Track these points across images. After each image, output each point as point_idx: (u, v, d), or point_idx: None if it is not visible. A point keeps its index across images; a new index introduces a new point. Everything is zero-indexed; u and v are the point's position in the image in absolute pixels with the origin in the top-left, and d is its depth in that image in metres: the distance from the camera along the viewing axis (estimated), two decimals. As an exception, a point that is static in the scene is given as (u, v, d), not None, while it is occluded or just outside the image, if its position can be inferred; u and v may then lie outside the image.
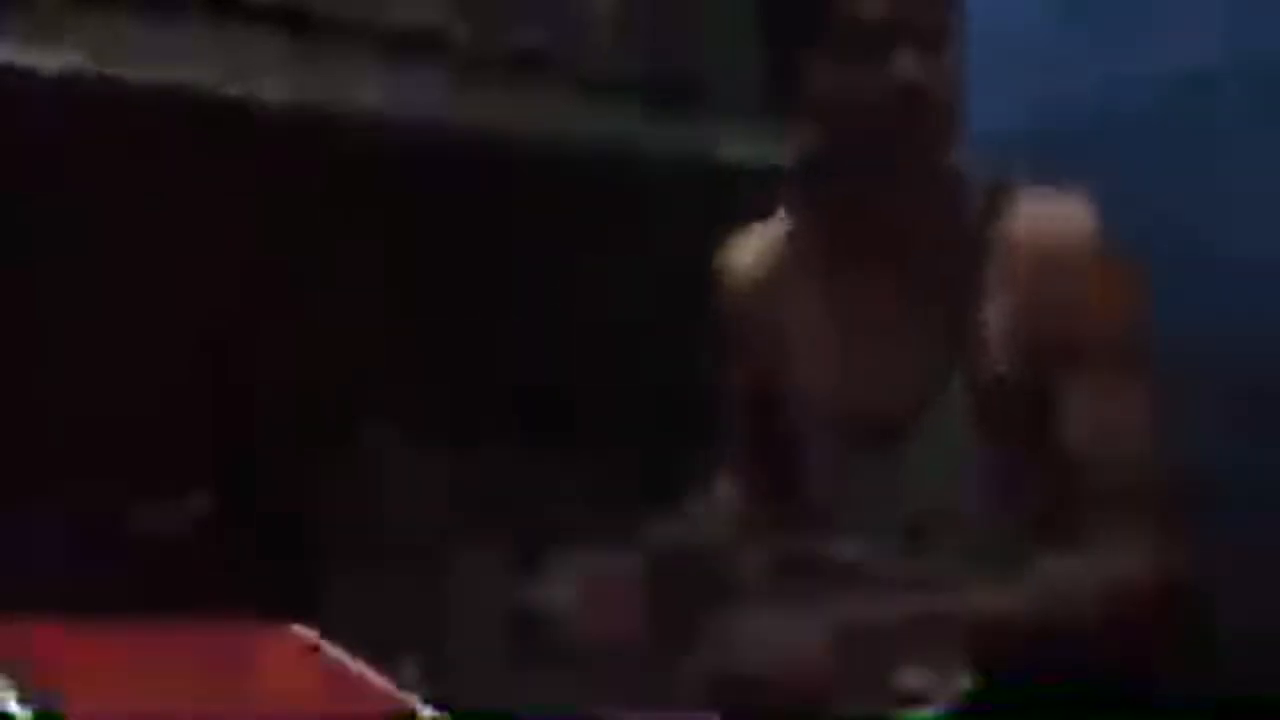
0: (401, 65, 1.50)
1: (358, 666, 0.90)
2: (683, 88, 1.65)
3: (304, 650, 0.94)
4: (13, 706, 0.63)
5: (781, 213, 1.11)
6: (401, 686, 0.84)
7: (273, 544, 1.43)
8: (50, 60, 1.22)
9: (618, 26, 1.61)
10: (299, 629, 0.99)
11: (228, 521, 1.47)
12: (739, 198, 1.18)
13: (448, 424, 1.60)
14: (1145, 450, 0.93)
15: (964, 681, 0.85)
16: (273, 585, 1.16)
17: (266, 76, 1.39)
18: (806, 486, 1.07)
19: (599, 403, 1.62)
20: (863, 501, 1.01)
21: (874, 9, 0.91)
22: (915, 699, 0.84)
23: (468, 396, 1.63)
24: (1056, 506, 0.94)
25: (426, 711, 0.79)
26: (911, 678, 0.85)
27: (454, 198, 1.58)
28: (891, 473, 0.99)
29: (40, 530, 1.39)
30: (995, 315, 0.95)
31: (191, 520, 1.48)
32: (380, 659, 0.90)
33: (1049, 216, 0.95)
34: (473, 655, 0.96)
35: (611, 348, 1.63)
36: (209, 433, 1.48)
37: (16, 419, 1.38)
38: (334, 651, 0.94)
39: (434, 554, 1.24)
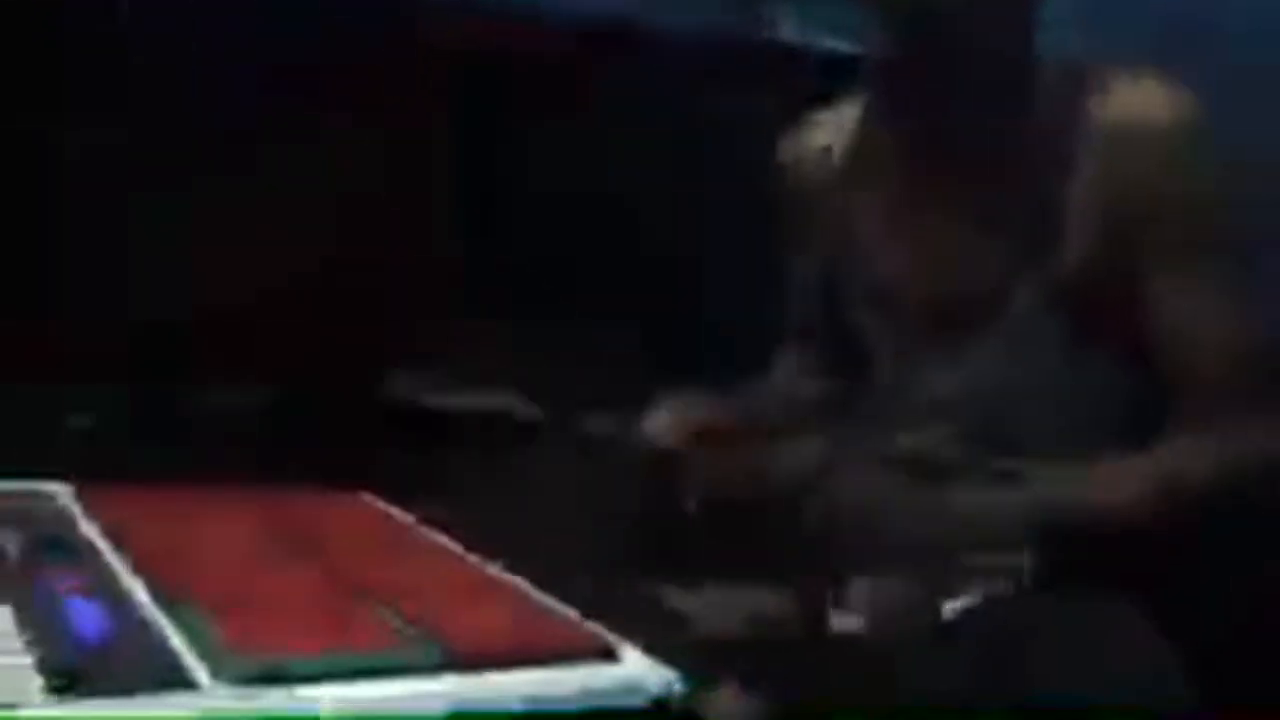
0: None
1: (429, 531, 0.91)
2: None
3: (376, 515, 0.96)
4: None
5: (856, 95, 1.08)
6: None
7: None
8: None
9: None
10: (368, 496, 1.01)
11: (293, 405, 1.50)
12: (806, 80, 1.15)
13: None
14: (1236, 338, 0.90)
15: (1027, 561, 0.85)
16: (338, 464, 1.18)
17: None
18: (875, 377, 1.06)
19: (666, 283, 1.62)
20: (937, 392, 1.00)
21: None
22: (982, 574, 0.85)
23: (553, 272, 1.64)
24: (1144, 397, 0.93)
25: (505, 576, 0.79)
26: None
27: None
28: (968, 363, 0.97)
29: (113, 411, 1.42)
30: (1079, 200, 0.92)
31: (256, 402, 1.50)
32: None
33: (1134, 97, 0.92)
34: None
35: (672, 228, 1.62)
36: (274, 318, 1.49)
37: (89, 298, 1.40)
38: (404, 517, 0.96)
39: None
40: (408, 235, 1.57)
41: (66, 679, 0.55)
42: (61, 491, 0.91)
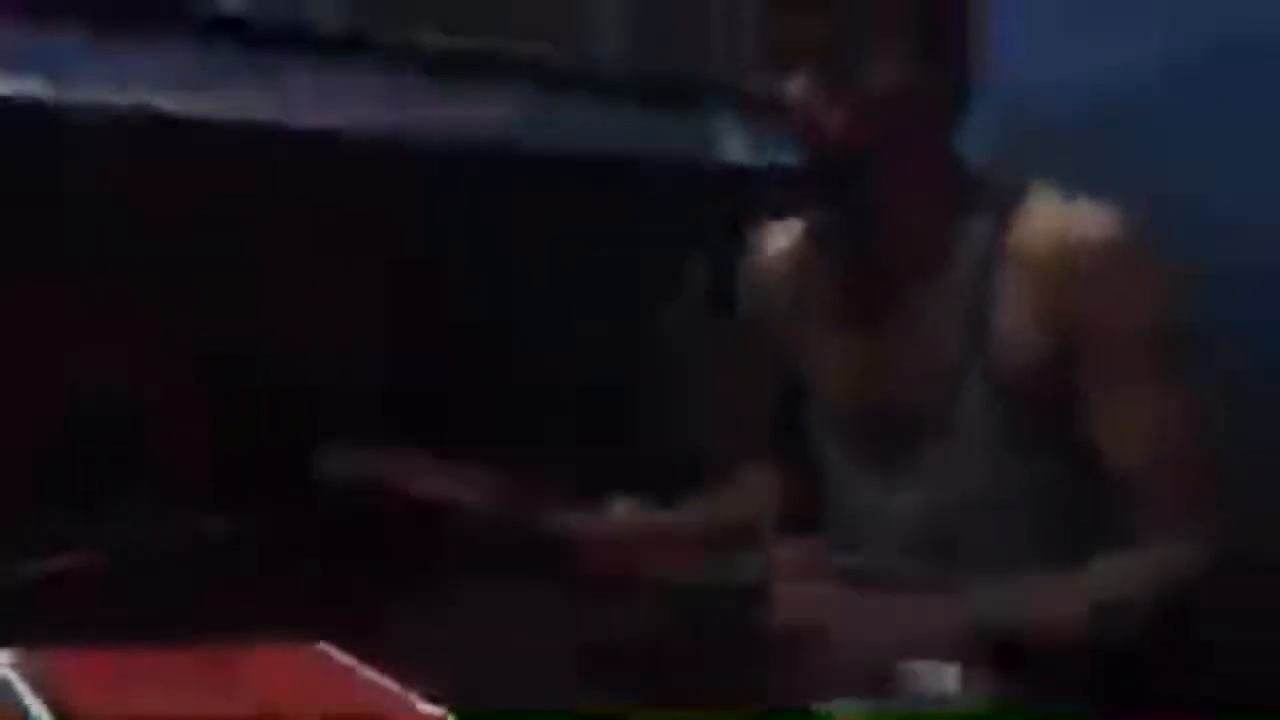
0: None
1: (389, 685, 0.89)
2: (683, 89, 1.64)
3: (336, 670, 0.93)
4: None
5: (800, 211, 1.10)
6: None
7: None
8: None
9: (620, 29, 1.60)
10: (327, 648, 0.98)
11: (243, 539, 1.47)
12: (749, 198, 1.18)
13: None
14: (1175, 448, 0.91)
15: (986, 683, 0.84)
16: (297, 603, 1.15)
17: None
18: (828, 488, 1.07)
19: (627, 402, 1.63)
20: (883, 506, 1.00)
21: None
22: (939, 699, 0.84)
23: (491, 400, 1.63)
24: (1083, 506, 0.94)
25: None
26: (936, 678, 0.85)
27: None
28: (913, 474, 0.98)
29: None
30: (1014, 316, 0.94)
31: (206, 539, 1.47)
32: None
33: (1067, 215, 0.94)
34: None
35: (615, 346, 1.63)
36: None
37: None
38: (366, 672, 0.93)
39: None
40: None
41: None
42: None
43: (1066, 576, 0.91)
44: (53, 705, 0.77)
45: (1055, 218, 0.94)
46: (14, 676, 0.83)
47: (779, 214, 1.13)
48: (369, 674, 0.91)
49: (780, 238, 1.11)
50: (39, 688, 0.80)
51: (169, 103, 1.31)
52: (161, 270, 1.35)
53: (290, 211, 1.44)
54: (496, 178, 1.57)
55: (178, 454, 1.39)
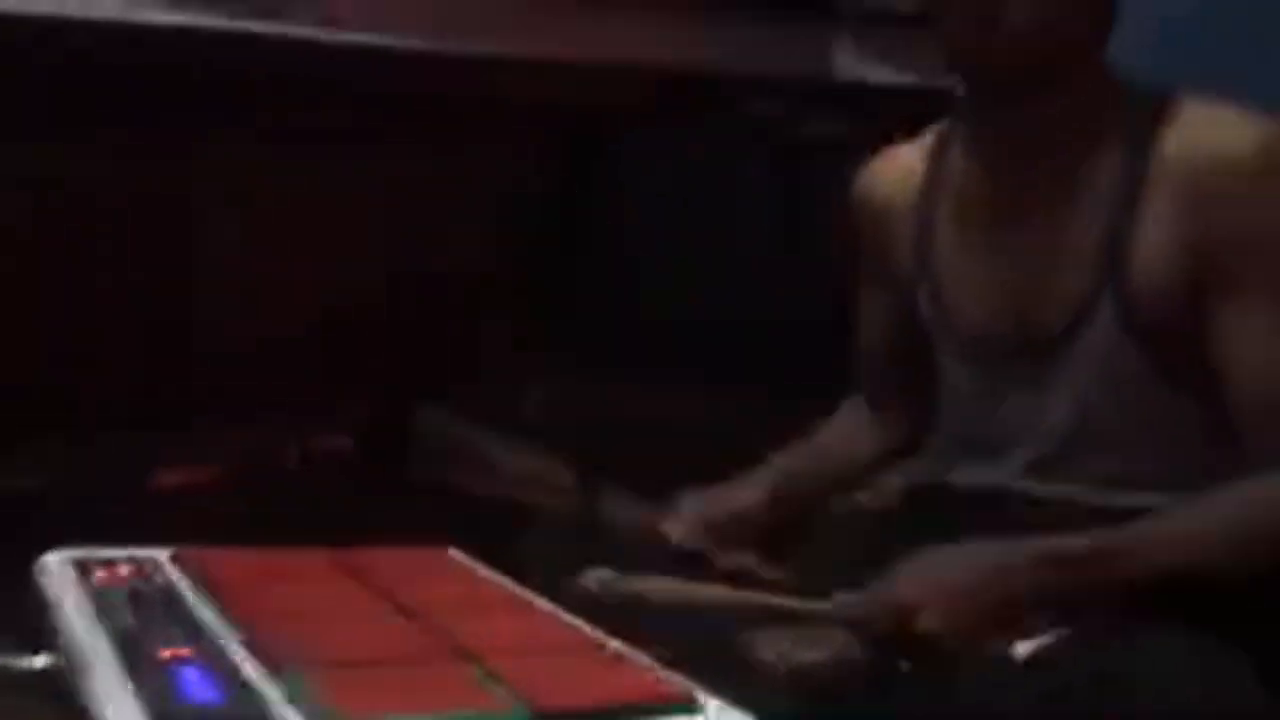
0: None
1: (511, 586, 0.93)
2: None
3: (463, 572, 0.98)
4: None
5: (926, 131, 1.08)
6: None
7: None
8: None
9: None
10: (454, 553, 1.03)
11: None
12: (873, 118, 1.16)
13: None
14: None
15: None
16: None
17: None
18: (945, 410, 1.07)
19: (731, 333, 1.63)
20: (1007, 425, 1.00)
21: None
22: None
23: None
24: (1208, 440, 0.92)
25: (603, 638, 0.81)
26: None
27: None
28: (1038, 395, 0.97)
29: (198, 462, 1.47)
30: (1153, 231, 0.91)
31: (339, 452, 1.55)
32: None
33: (1212, 127, 0.91)
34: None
35: (743, 274, 1.63)
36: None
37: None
38: (489, 573, 0.98)
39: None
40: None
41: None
42: (161, 558, 0.94)
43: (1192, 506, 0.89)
44: (211, 599, 0.83)
45: (1203, 127, 0.90)
46: (175, 573, 0.90)
47: (904, 130, 1.11)
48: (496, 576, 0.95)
49: (899, 160, 1.09)
50: (198, 584, 0.86)
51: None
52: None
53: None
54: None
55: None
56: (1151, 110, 0.93)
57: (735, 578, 0.98)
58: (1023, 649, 0.85)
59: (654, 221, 1.68)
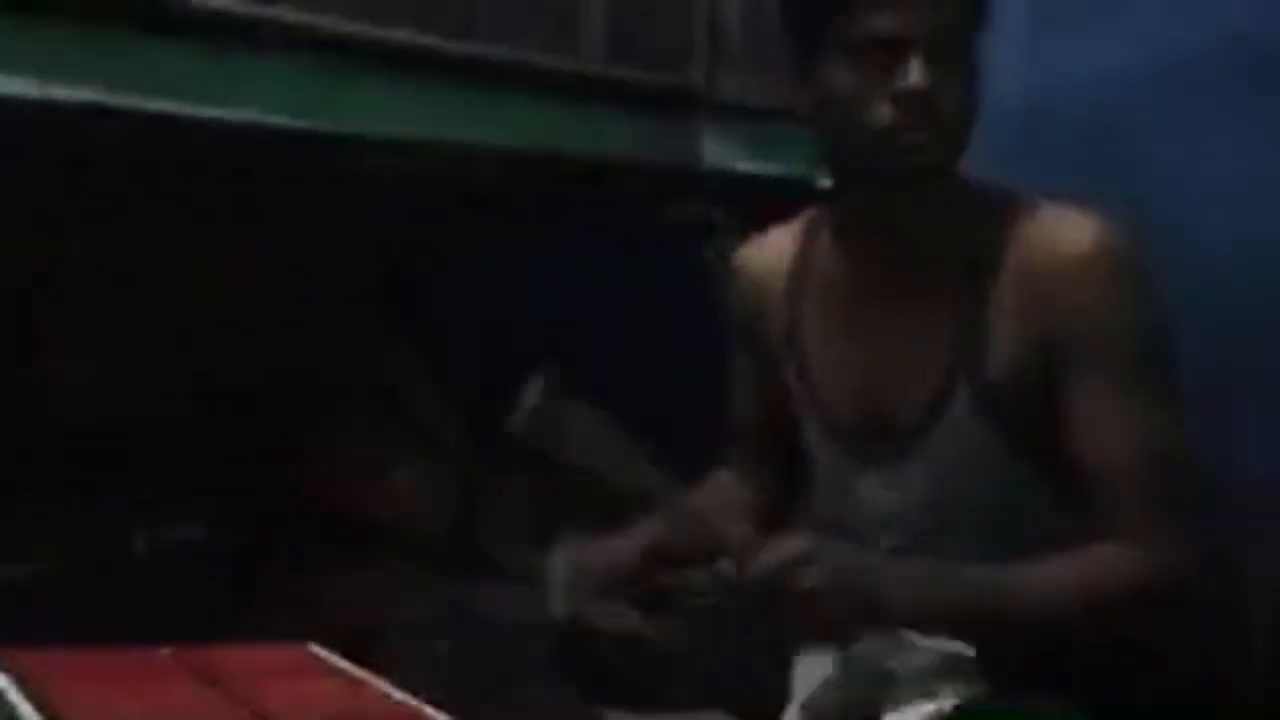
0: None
1: (378, 683, 0.90)
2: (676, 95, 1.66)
3: (332, 671, 0.94)
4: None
5: (797, 218, 1.12)
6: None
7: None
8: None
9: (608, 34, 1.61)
10: (314, 648, 0.99)
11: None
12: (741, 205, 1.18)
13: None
14: (1151, 454, 0.93)
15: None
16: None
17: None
18: (814, 493, 1.08)
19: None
20: (868, 509, 1.02)
21: (887, 23, 0.92)
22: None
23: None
24: (1059, 512, 0.96)
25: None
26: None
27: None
28: (898, 479, 1.00)
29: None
30: (1002, 322, 0.96)
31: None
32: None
33: (1053, 226, 0.96)
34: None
35: (612, 352, 1.64)
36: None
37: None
38: (354, 670, 0.94)
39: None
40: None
41: None
42: None
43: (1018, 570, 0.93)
44: (39, 706, 0.77)
45: (1047, 226, 0.96)
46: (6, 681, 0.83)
47: (769, 220, 1.15)
48: (360, 674, 0.91)
49: (773, 243, 1.13)
50: (22, 684, 0.80)
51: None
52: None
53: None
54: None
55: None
56: (1001, 209, 0.98)
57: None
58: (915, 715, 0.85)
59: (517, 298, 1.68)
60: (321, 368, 1.68)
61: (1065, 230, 0.95)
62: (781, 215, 1.14)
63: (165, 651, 0.93)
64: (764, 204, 1.19)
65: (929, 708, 0.85)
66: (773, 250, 1.12)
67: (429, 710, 0.84)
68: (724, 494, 1.17)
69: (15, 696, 0.79)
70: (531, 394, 1.00)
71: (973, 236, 0.98)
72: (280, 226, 1.61)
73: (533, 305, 1.71)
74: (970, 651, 0.86)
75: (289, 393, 1.63)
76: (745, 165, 1.61)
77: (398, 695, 0.87)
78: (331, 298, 1.75)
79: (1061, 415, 0.95)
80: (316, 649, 0.98)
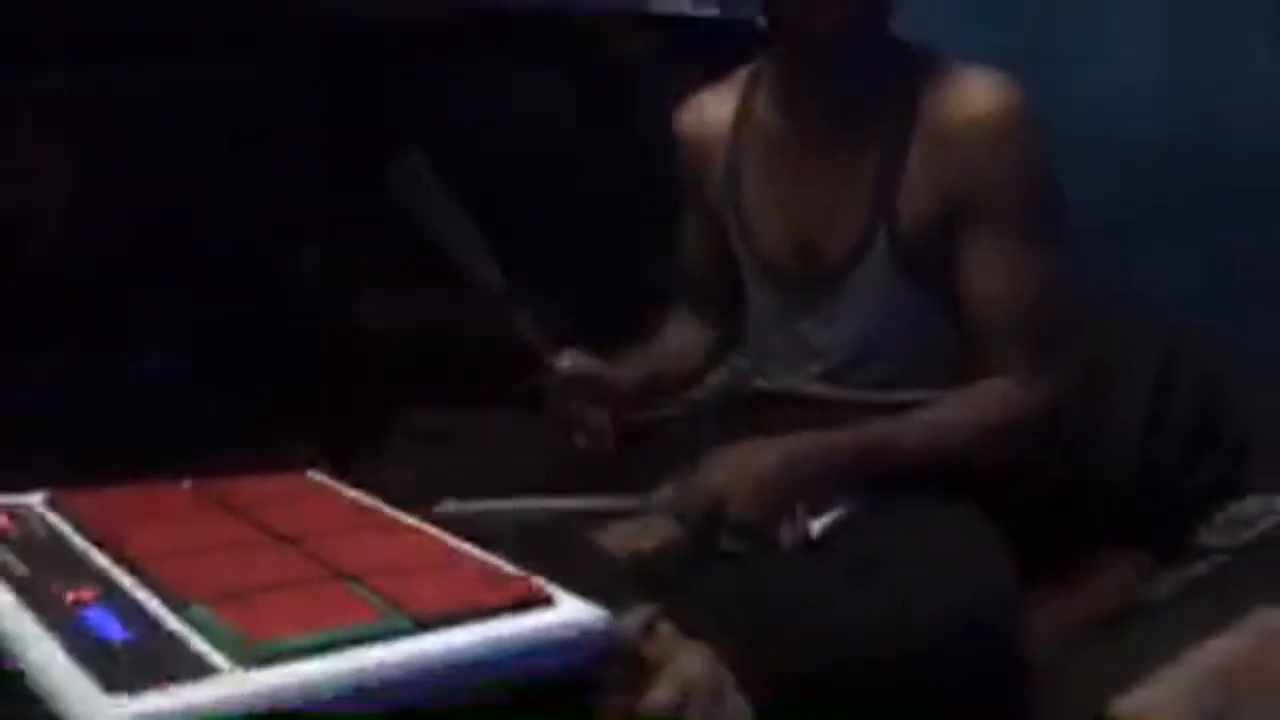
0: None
1: (378, 504, 1.02)
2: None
3: (329, 494, 1.05)
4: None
5: (743, 68, 1.18)
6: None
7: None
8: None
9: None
10: (313, 474, 1.11)
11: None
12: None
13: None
14: (1032, 295, 1.04)
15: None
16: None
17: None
18: (750, 324, 1.21)
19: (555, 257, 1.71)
20: (799, 343, 1.14)
21: None
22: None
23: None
24: (959, 345, 1.08)
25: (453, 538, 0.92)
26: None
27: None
28: (825, 317, 1.11)
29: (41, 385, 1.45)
30: (917, 175, 1.05)
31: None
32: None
33: (966, 86, 1.05)
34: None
35: (565, 197, 1.70)
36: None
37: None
38: (350, 491, 1.05)
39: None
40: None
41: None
42: (36, 502, 0.97)
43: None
44: (95, 541, 0.88)
45: (957, 87, 1.05)
46: (55, 518, 0.94)
47: (714, 64, 1.20)
48: (358, 494, 1.03)
49: (717, 92, 1.19)
50: (79, 527, 0.91)
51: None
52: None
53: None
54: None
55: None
56: (922, 69, 1.06)
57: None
58: (816, 526, 1.01)
59: (464, 138, 1.72)
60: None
61: (971, 91, 1.04)
62: (726, 59, 1.20)
63: (186, 485, 1.02)
64: (709, 48, 1.23)
65: (826, 517, 1.00)
66: (715, 98, 1.19)
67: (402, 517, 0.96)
68: (684, 333, 1.28)
69: (81, 542, 0.88)
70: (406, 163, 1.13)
71: (895, 92, 1.06)
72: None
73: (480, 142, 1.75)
74: None
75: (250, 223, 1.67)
76: (690, 9, 1.65)
77: (384, 508, 0.98)
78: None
79: (956, 261, 1.06)
80: (314, 474, 1.10)
